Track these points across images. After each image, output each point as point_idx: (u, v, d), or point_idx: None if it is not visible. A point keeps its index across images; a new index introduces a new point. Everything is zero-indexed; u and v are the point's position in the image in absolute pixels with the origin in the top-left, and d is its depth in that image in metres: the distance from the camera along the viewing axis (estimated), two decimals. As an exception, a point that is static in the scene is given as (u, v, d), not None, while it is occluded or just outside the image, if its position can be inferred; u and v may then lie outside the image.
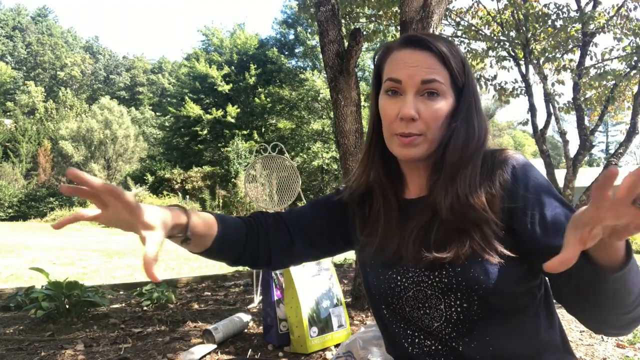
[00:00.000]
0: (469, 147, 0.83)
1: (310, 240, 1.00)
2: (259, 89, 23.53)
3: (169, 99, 31.70)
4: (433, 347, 0.86)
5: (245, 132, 22.84)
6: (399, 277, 0.87)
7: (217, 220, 0.90)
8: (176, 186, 20.80)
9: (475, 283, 0.79)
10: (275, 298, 2.80)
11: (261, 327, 3.05)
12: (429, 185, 0.87)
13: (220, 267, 7.19)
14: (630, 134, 5.39)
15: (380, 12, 6.23)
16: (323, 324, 2.72)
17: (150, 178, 21.86)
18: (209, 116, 23.53)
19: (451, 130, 0.84)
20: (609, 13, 5.96)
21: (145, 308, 3.88)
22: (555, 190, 0.83)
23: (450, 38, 5.74)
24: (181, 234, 0.82)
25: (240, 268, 6.70)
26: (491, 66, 6.89)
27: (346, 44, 3.56)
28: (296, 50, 25.36)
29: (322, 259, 1.05)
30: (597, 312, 0.71)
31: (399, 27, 4.70)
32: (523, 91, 7.27)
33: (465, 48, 6.94)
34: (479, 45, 7.06)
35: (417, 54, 0.84)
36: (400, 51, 0.86)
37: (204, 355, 2.59)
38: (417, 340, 0.88)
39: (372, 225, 0.94)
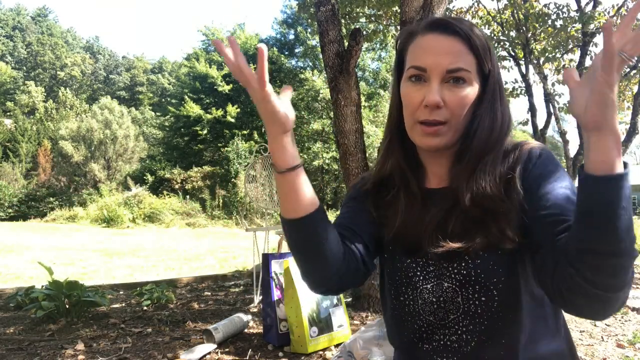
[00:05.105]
0: (492, 135, 0.82)
1: (372, 233, 0.92)
2: (259, 89, 23.49)
3: (169, 99, 31.68)
4: (442, 342, 0.85)
5: (245, 132, 22.83)
6: (418, 268, 0.86)
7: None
8: (176, 186, 20.77)
9: (493, 276, 0.79)
10: (275, 298, 2.80)
11: (261, 327, 3.05)
12: (450, 175, 0.86)
13: (220, 267, 7.19)
14: (630, 134, 5.40)
15: (380, 12, 6.23)
16: (323, 324, 2.72)
17: (150, 178, 21.83)
18: (209, 116, 23.50)
19: (476, 118, 0.82)
20: (609, 13, 5.96)
21: (145, 308, 3.88)
22: (563, 170, 0.82)
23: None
24: (300, 161, 0.78)
25: (240, 268, 6.70)
26: (491, 66, 6.90)
27: (346, 44, 3.56)
28: (296, 50, 25.34)
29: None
30: (577, 259, 0.65)
31: (398, 27, 4.70)
32: (523, 91, 7.27)
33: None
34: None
35: (443, 39, 0.81)
36: (425, 36, 0.83)
37: (204, 355, 2.59)
38: (424, 336, 0.87)
39: (388, 209, 0.91)
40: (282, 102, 0.75)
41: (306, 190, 0.79)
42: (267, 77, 0.70)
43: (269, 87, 0.71)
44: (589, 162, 0.62)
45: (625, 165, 0.61)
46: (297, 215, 0.79)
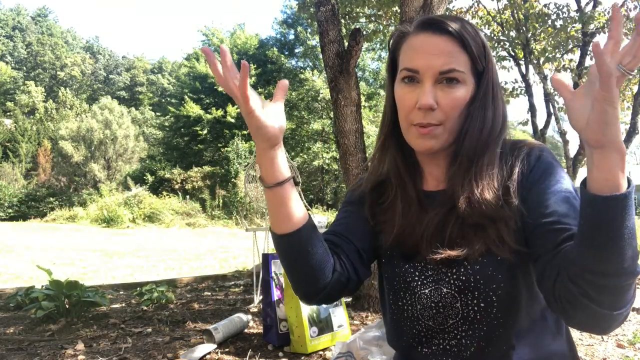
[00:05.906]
0: (483, 135, 0.80)
1: (368, 241, 0.93)
2: (259, 89, 23.50)
3: (169, 99, 31.69)
4: (441, 346, 0.84)
5: (245, 132, 22.81)
6: (416, 273, 0.85)
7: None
8: (176, 186, 20.78)
9: (492, 282, 0.78)
10: (275, 298, 2.80)
11: (261, 327, 3.05)
12: (447, 177, 0.84)
13: (220, 267, 7.19)
14: (630, 134, 5.40)
15: (380, 12, 6.23)
16: (323, 324, 2.72)
17: (150, 178, 21.83)
18: (209, 116, 23.52)
19: (468, 117, 0.80)
20: (609, 13, 5.96)
21: (145, 308, 3.88)
22: (563, 172, 0.80)
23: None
24: (289, 175, 0.78)
25: (240, 268, 6.70)
26: (491, 66, 6.90)
27: (346, 44, 3.56)
28: (296, 50, 25.34)
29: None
30: (578, 277, 0.63)
31: (399, 27, 4.68)
32: (523, 91, 7.28)
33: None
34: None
35: (435, 39, 0.79)
36: (417, 36, 0.81)
37: (204, 355, 2.59)
38: (424, 340, 0.86)
39: (385, 214, 0.89)
40: (271, 114, 0.73)
41: (295, 205, 0.79)
42: (249, 92, 0.69)
43: (252, 103, 0.70)
44: (592, 180, 0.60)
45: (629, 182, 0.59)
46: (285, 231, 0.79)
